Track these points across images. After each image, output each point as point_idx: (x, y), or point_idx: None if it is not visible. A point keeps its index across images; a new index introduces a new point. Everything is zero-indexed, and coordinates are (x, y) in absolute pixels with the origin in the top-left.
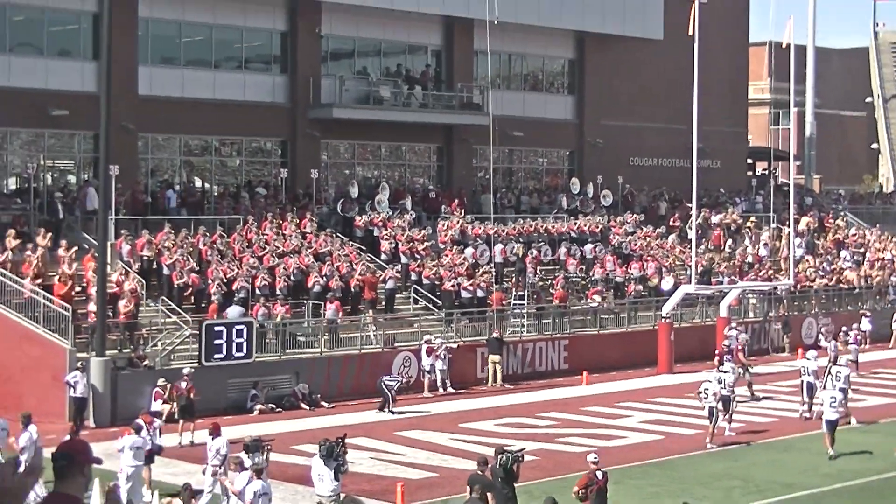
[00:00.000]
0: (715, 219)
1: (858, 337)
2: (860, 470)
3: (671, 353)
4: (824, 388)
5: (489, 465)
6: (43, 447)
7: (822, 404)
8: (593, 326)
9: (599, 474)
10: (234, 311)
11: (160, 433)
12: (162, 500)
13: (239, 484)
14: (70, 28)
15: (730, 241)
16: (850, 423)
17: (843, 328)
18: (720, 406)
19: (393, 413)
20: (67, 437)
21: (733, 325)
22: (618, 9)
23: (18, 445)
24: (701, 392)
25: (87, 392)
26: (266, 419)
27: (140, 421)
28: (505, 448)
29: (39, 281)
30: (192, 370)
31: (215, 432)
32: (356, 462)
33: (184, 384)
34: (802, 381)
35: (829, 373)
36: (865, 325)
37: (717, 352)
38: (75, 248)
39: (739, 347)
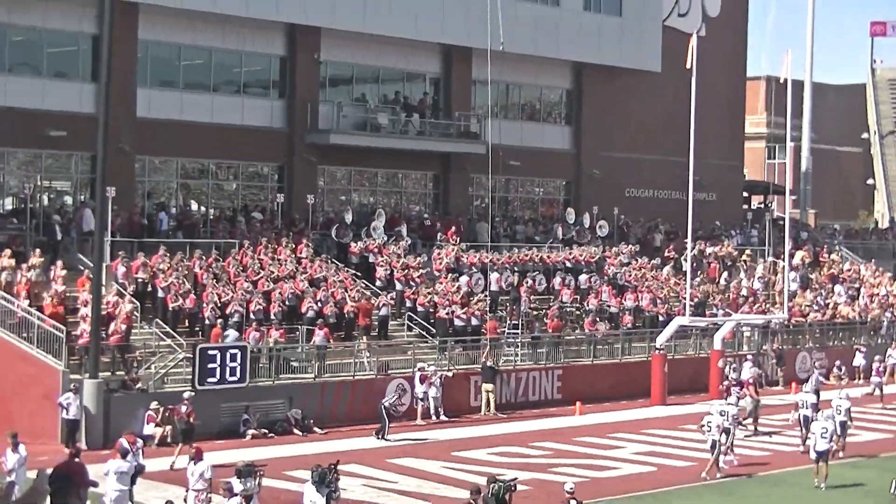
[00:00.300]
0: (710, 251)
1: (882, 368)
2: None
3: (665, 385)
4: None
5: (482, 494)
6: (40, 468)
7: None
8: (587, 356)
9: (573, 503)
10: (231, 335)
11: (143, 453)
12: None
13: None
14: (69, 49)
15: (725, 274)
16: (840, 456)
17: (837, 363)
18: (723, 438)
19: (387, 440)
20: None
21: (749, 357)
22: (616, 40)
23: (6, 467)
24: (704, 425)
25: (80, 414)
26: (259, 444)
27: (125, 444)
28: (497, 477)
29: (29, 301)
30: (193, 394)
31: (197, 457)
32: (348, 489)
33: (184, 408)
34: (800, 415)
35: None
36: (859, 360)
37: (725, 383)
38: (64, 271)
39: (751, 381)
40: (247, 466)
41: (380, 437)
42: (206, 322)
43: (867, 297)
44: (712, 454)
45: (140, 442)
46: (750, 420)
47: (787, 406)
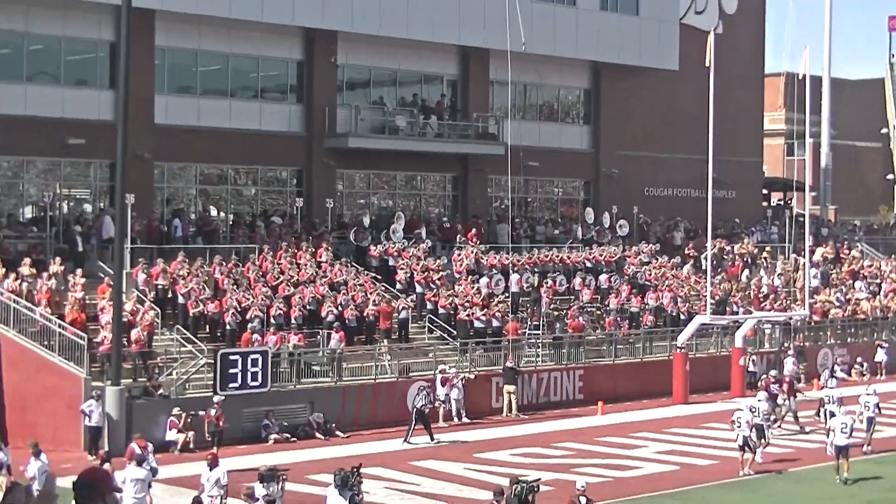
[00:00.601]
0: (730, 249)
1: None
2: (876, 500)
3: (686, 384)
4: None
5: (505, 496)
6: (55, 475)
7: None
8: (608, 356)
9: (583, 500)
10: (271, 340)
11: (155, 457)
12: None
13: None
14: (87, 57)
15: (745, 272)
16: (866, 451)
17: (858, 359)
18: (754, 434)
19: (409, 443)
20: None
21: (790, 352)
22: (633, 39)
23: (28, 474)
24: (734, 420)
25: (102, 421)
26: (281, 448)
27: (138, 449)
28: (520, 478)
29: (50, 310)
30: (223, 398)
31: (213, 463)
32: (371, 492)
33: (213, 411)
34: (826, 410)
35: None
36: (881, 355)
37: (763, 379)
38: (83, 278)
39: (787, 378)
40: (269, 471)
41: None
42: (228, 327)
43: (888, 292)
44: (742, 450)
45: (151, 446)
46: (790, 418)
47: (812, 402)
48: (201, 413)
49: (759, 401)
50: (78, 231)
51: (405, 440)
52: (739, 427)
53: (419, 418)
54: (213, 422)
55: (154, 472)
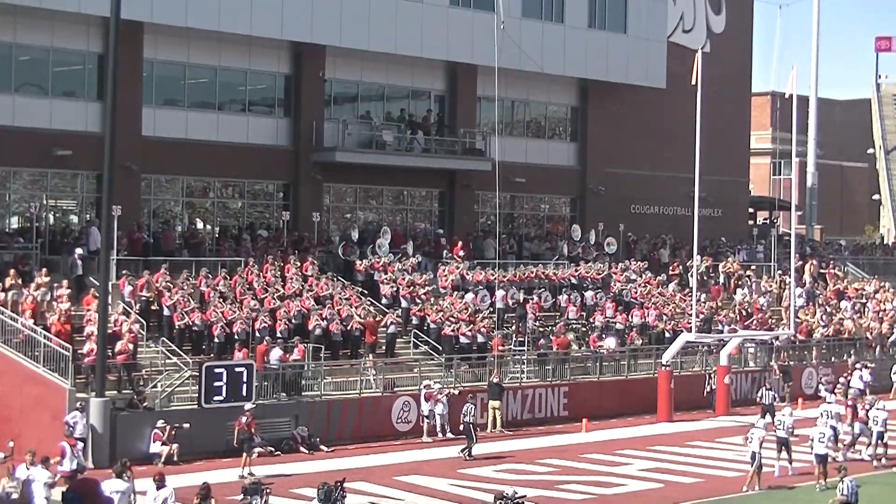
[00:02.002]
0: (715, 267)
1: None
2: None
3: (671, 401)
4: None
5: None
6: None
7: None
8: (593, 373)
9: None
10: (274, 354)
11: (83, 455)
12: None
13: None
14: (75, 68)
15: (731, 290)
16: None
17: (841, 378)
18: (778, 448)
19: (471, 457)
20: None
21: (858, 365)
22: (621, 57)
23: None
24: (748, 436)
25: (87, 433)
26: (265, 462)
27: (67, 448)
28: (504, 494)
29: (35, 321)
30: (254, 406)
31: (160, 482)
32: None
33: (244, 419)
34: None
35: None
36: (866, 376)
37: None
38: (70, 290)
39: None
40: (253, 484)
41: (466, 454)
42: (216, 341)
43: (873, 312)
44: (752, 466)
45: (80, 444)
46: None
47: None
48: (186, 426)
49: (783, 415)
50: (64, 242)
51: (466, 453)
52: (751, 442)
53: (467, 432)
54: (244, 429)
55: (82, 469)
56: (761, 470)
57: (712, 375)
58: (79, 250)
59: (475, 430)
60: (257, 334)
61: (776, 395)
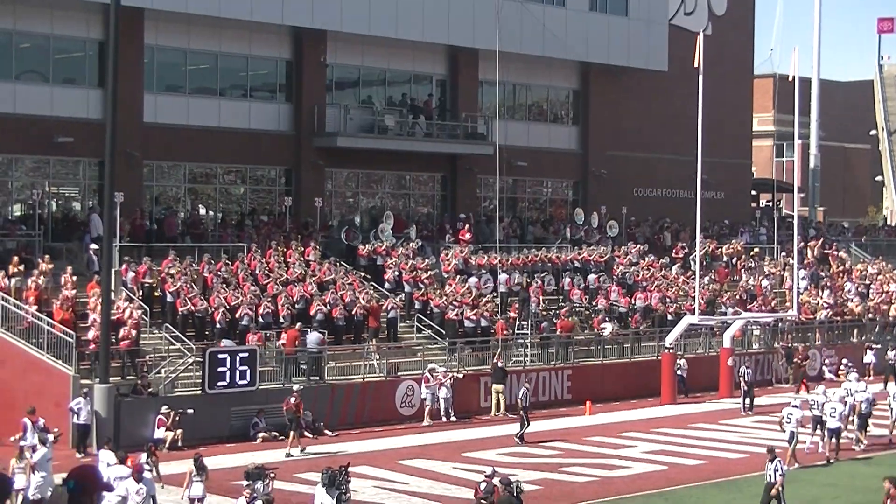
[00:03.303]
0: (718, 249)
1: None
2: (860, 502)
3: (674, 384)
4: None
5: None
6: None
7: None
8: (597, 356)
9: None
10: (313, 337)
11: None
12: None
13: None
14: (76, 55)
15: (734, 272)
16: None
17: (844, 360)
18: (813, 427)
19: (522, 441)
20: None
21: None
22: (623, 40)
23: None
24: (784, 417)
25: (91, 419)
26: (269, 447)
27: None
28: (510, 478)
29: (38, 308)
30: (301, 387)
31: (138, 473)
32: (359, 490)
33: (292, 399)
34: (812, 415)
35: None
36: (869, 357)
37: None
38: (73, 276)
39: None
40: (257, 469)
41: (519, 438)
42: (218, 326)
43: (877, 293)
44: (790, 445)
45: (41, 421)
46: None
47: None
48: (190, 411)
49: (817, 394)
50: (94, 249)
51: (521, 438)
52: (789, 423)
53: (522, 415)
54: (292, 409)
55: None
56: (794, 446)
57: (679, 360)
58: (94, 246)
59: (528, 413)
60: (260, 320)
61: (752, 374)
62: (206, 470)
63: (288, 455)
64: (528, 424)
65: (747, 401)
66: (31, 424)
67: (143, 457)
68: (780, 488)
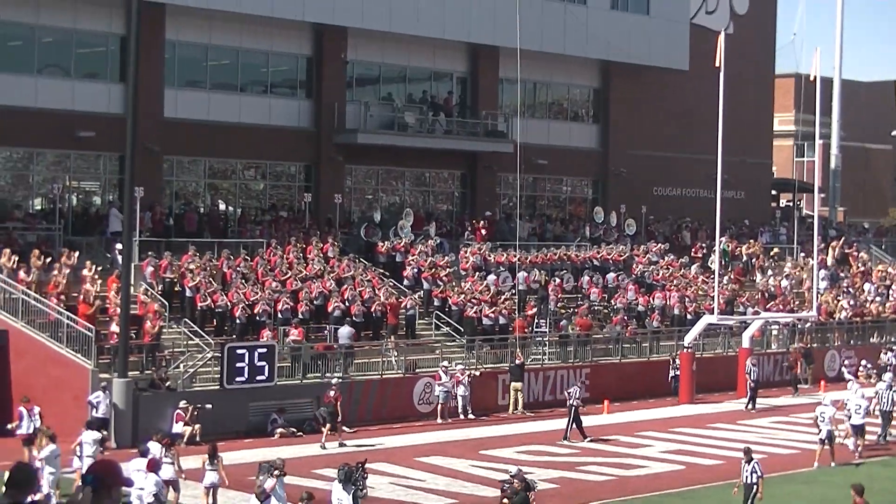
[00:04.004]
0: (738, 249)
1: None
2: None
3: (692, 383)
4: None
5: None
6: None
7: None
8: (615, 355)
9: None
10: (345, 331)
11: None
12: None
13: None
14: (97, 50)
15: (753, 273)
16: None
17: (863, 361)
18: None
19: (568, 440)
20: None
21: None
22: (643, 39)
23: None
24: (818, 416)
25: (109, 412)
26: (287, 443)
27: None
28: (525, 476)
29: (59, 302)
30: (340, 380)
31: (153, 467)
32: (376, 487)
33: (332, 392)
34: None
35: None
36: (890, 358)
37: None
38: (98, 268)
39: None
40: (266, 463)
41: (566, 439)
42: (237, 321)
43: None
44: (827, 445)
45: (37, 409)
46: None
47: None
48: (208, 407)
49: (852, 395)
50: (119, 249)
51: (565, 437)
52: (823, 422)
53: (572, 415)
54: (332, 402)
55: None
56: (833, 444)
57: (676, 360)
58: (119, 245)
59: (578, 412)
60: (279, 315)
61: (758, 372)
62: (219, 458)
63: (322, 447)
64: (573, 426)
65: (752, 402)
66: (26, 413)
67: (153, 447)
68: (759, 491)
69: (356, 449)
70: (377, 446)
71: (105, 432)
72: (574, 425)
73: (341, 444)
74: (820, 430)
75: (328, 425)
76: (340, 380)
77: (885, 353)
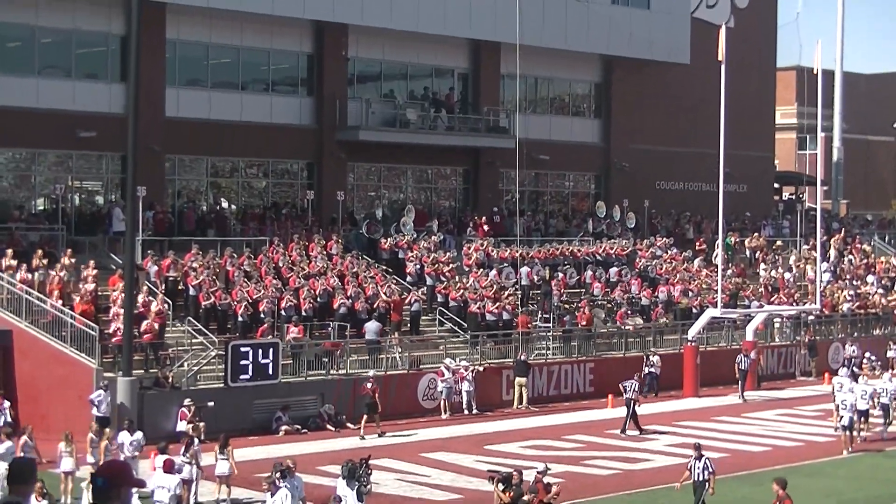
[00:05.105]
0: (741, 243)
1: None
2: (883, 495)
3: (697, 377)
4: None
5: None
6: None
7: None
8: (619, 349)
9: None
10: (372, 326)
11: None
12: None
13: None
14: (98, 50)
15: (756, 265)
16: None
17: (867, 353)
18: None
19: (626, 434)
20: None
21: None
22: (645, 33)
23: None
24: (840, 403)
25: (110, 411)
26: (292, 440)
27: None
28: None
29: (62, 301)
30: (377, 373)
31: (168, 468)
32: (381, 483)
33: (369, 385)
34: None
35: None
36: (892, 352)
37: None
38: (95, 270)
39: None
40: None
41: (624, 433)
42: (240, 320)
43: None
44: (848, 432)
45: (7, 404)
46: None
47: (819, 397)
48: (210, 404)
49: (883, 382)
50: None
51: (622, 431)
52: (845, 409)
53: (628, 410)
54: (369, 394)
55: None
56: (852, 431)
57: (650, 356)
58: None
59: (635, 405)
60: (283, 313)
61: (749, 363)
62: (230, 448)
63: (362, 438)
64: (629, 420)
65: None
66: None
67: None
68: (710, 487)
69: (391, 441)
70: (412, 437)
71: (109, 430)
72: (631, 419)
73: (380, 435)
74: (842, 417)
75: (365, 416)
76: (376, 373)
77: (891, 348)
